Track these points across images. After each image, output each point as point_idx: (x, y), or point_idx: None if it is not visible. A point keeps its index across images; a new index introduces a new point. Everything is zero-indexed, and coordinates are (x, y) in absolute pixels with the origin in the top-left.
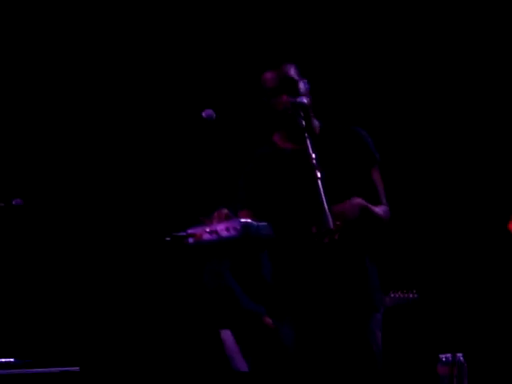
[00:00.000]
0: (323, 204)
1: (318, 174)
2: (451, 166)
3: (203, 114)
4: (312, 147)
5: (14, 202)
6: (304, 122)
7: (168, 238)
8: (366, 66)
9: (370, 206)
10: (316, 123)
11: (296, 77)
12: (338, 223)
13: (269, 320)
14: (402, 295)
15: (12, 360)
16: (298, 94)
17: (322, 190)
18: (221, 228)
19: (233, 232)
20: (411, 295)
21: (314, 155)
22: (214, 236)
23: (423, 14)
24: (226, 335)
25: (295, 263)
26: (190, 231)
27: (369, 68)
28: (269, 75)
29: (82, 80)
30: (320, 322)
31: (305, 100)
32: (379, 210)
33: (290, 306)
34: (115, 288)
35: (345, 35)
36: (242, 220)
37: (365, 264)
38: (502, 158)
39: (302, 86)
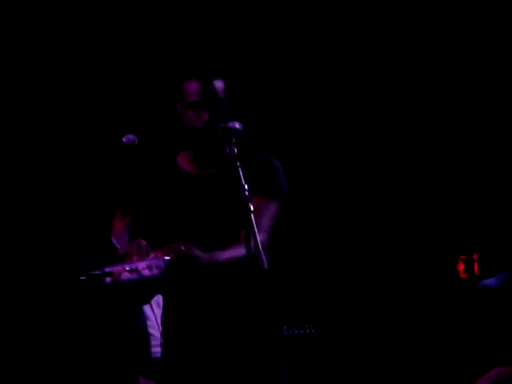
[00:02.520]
0: (257, 240)
1: (252, 207)
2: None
3: (124, 139)
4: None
5: None
6: (236, 150)
7: (83, 277)
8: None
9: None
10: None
11: (223, 96)
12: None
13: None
14: (297, 331)
15: None
16: (222, 116)
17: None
18: (142, 266)
19: (156, 271)
20: (308, 330)
21: (246, 186)
22: (135, 275)
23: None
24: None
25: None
26: (107, 269)
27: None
28: (194, 85)
29: None
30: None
31: (237, 125)
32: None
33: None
34: (26, 332)
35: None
36: (166, 258)
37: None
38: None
39: (225, 107)
